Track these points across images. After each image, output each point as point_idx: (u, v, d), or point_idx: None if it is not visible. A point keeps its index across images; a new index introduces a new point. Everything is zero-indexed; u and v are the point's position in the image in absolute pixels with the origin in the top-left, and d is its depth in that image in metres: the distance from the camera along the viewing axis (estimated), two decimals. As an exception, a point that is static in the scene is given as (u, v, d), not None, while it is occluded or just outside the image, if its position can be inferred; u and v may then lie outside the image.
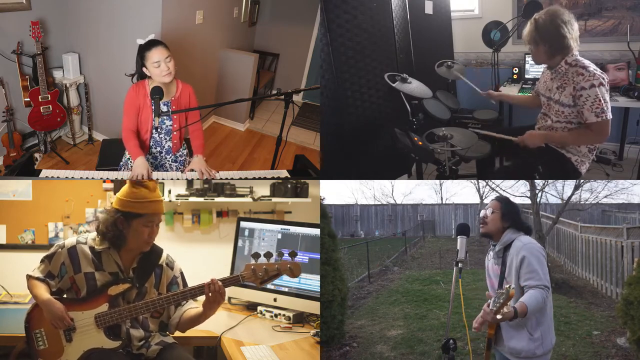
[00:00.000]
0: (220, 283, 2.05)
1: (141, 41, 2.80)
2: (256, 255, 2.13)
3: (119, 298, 2.07)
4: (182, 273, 2.28)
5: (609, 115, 2.51)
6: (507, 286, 1.69)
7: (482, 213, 2.03)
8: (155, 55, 2.72)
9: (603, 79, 2.50)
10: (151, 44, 2.75)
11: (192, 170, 2.94)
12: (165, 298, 2.07)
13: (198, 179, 2.94)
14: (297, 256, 2.16)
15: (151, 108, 2.87)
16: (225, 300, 2.87)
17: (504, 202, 2.01)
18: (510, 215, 1.97)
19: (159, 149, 3.03)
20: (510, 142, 3.07)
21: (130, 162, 3.03)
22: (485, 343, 1.99)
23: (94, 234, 2.15)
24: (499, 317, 1.68)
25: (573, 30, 2.54)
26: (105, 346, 2.02)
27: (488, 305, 1.75)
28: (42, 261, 2.15)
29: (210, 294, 2.05)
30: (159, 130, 2.95)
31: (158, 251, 2.22)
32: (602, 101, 2.47)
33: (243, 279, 2.09)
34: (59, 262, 2.11)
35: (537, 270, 1.81)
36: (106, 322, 2.03)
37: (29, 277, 2.12)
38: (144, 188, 2.09)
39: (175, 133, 3.00)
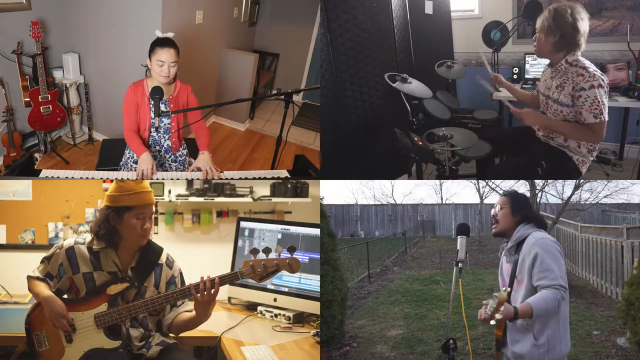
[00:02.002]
0: (216, 281, 2.04)
1: (159, 33, 2.81)
2: (255, 252, 2.12)
3: (118, 298, 2.06)
4: (181, 273, 2.28)
5: (606, 117, 2.51)
6: (503, 289, 1.63)
7: (492, 212, 1.96)
8: (164, 55, 2.72)
9: (603, 80, 2.50)
10: (165, 43, 2.75)
11: (197, 169, 2.92)
12: (165, 296, 2.07)
13: (199, 179, 2.93)
14: (298, 256, 2.16)
15: (149, 107, 2.88)
16: (225, 300, 2.90)
17: (511, 196, 1.94)
18: (521, 208, 1.89)
19: (158, 147, 3.03)
20: (510, 142, 3.08)
21: (130, 161, 3.04)
22: (494, 343, 1.94)
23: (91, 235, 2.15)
24: (492, 322, 1.60)
25: (586, 28, 2.56)
26: (106, 346, 2.02)
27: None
28: (42, 262, 2.16)
29: (199, 295, 2.03)
30: (158, 129, 2.95)
31: (158, 250, 2.22)
32: (601, 103, 2.48)
33: (242, 275, 2.09)
34: (57, 262, 2.12)
35: (551, 269, 1.68)
36: (106, 322, 2.03)
37: (29, 278, 2.12)
38: (131, 181, 2.11)
39: (173, 132, 3.00)
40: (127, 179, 2.12)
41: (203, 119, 3.03)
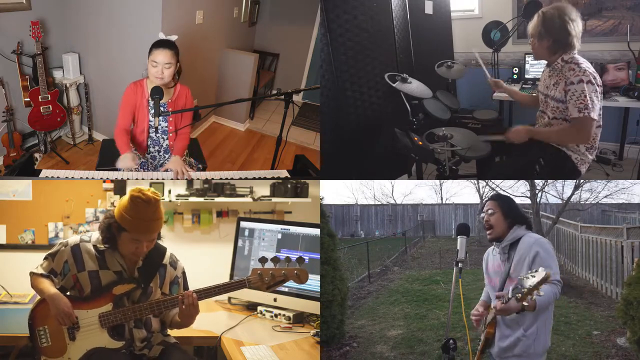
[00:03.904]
0: (195, 295, 2.04)
1: (162, 35, 2.81)
2: (263, 260, 2.12)
3: (124, 298, 2.06)
4: (184, 273, 2.27)
5: (593, 114, 2.49)
6: (536, 270, 1.59)
7: (482, 216, 2.00)
8: (157, 56, 2.73)
9: (594, 77, 2.51)
10: (160, 44, 2.75)
11: (168, 170, 2.90)
12: (170, 299, 2.07)
13: (172, 179, 2.90)
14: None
15: (147, 108, 2.88)
16: (225, 300, 2.90)
17: (500, 200, 1.98)
18: (511, 211, 1.94)
19: (157, 147, 3.04)
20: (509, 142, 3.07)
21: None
22: (480, 344, 1.97)
23: (98, 233, 2.15)
24: (525, 303, 1.59)
25: (578, 28, 2.57)
26: (109, 346, 2.02)
27: (501, 301, 1.68)
28: (45, 258, 2.14)
29: (184, 307, 2.04)
30: (157, 129, 2.95)
31: (162, 250, 2.21)
32: (587, 98, 2.47)
33: (249, 284, 2.09)
34: (62, 260, 2.10)
35: (550, 266, 1.75)
36: (110, 322, 2.03)
37: (33, 274, 2.11)
38: (142, 207, 1.98)
39: (171, 135, 3.00)
40: (141, 198, 2.00)
41: (190, 125, 3.02)
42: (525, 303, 1.59)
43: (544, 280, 1.55)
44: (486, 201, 2.03)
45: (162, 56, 2.72)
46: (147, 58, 2.81)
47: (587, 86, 2.47)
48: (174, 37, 2.83)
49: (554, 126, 2.71)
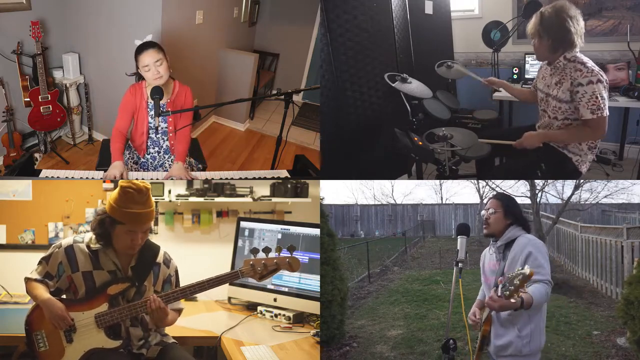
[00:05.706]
0: (159, 299, 2.04)
1: (139, 42, 2.80)
2: (255, 251, 2.14)
3: (119, 297, 2.06)
4: (176, 272, 2.27)
5: (606, 112, 2.49)
6: (522, 268, 1.60)
7: (483, 213, 2.03)
8: (145, 59, 2.71)
9: (601, 75, 2.49)
10: (142, 48, 2.74)
11: (171, 177, 2.90)
12: (165, 295, 2.07)
13: (172, 179, 2.89)
14: (298, 256, 2.17)
15: (146, 110, 2.88)
16: (225, 300, 2.90)
17: (504, 200, 2.00)
18: (512, 212, 1.97)
19: (157, 148, 3.03)
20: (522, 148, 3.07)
21: (130, 162, 3.04)
22: (477, 342, 1.98)
23: (91, 233, 2.15)
24: (512, 300, 1.60)
25: (578, 26, 2.54)
26: (106, 346, 2.02)
27: (496, 293, 1.66)
28: (39, 263, 2.14)
29: (151, 311, 2.04)
30: (157, 130, 2.95)
31: (155, 249, 2.21)
32: (599, 98, 2.47)
33: (242, 274, 2.11)
34: (57, 261, 2.10)
35: (543, 266, 1.80)
36: (106, 322, 2.03)
37: (27, 280, 2.11)
38: (133, 196, 2.00)
39: (171, 135, 3.00)
40: (132, 187, 2.02)
41: (189, 125, 3.01)
42: (513, 300, 1.60)
43: (527, 277, 1.56)
44: (489, 199, 2.05)
45: (149, 57, 2.71)
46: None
47: (596, 86, 2.46)
48: (149, 37, 2.82)
49: (566, 128, 2.66)
